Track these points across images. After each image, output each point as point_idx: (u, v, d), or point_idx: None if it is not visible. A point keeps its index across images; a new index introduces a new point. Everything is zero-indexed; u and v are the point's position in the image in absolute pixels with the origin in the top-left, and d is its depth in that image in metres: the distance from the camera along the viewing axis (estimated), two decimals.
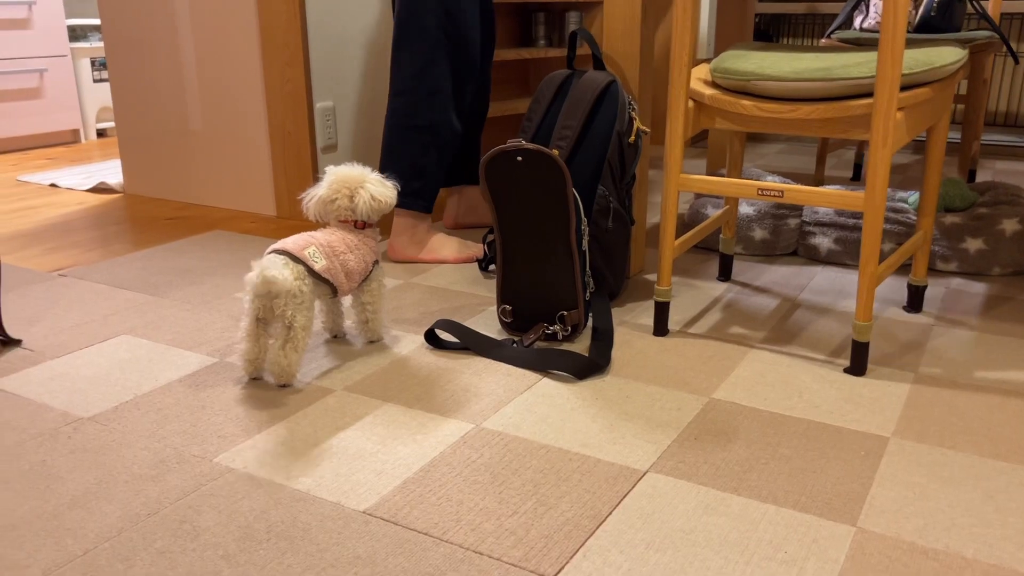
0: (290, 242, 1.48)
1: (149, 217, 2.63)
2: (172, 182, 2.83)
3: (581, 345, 1.63)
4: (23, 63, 3.82)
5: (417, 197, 2.13)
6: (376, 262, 1.61)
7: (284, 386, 1.46)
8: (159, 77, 2.76)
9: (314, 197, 1.56)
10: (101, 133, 4.28)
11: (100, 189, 3.03)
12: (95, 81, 4.16)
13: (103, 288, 1.96)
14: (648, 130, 1.84)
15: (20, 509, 1.11)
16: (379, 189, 1.55)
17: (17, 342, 1.65)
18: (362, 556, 1.02)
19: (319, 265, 1.47)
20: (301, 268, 1.44)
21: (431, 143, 2.11)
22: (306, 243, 1.48)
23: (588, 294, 1.69)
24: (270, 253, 1.45)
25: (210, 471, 1.20)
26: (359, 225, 1.57)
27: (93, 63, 4.13)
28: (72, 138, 4.15)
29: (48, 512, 1.10)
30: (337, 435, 1.30)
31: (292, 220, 2.59)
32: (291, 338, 1.42)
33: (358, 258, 1.55)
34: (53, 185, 3.12)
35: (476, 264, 2.13)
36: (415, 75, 2.07)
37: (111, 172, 3.22)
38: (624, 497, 1.14)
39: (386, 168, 2.12)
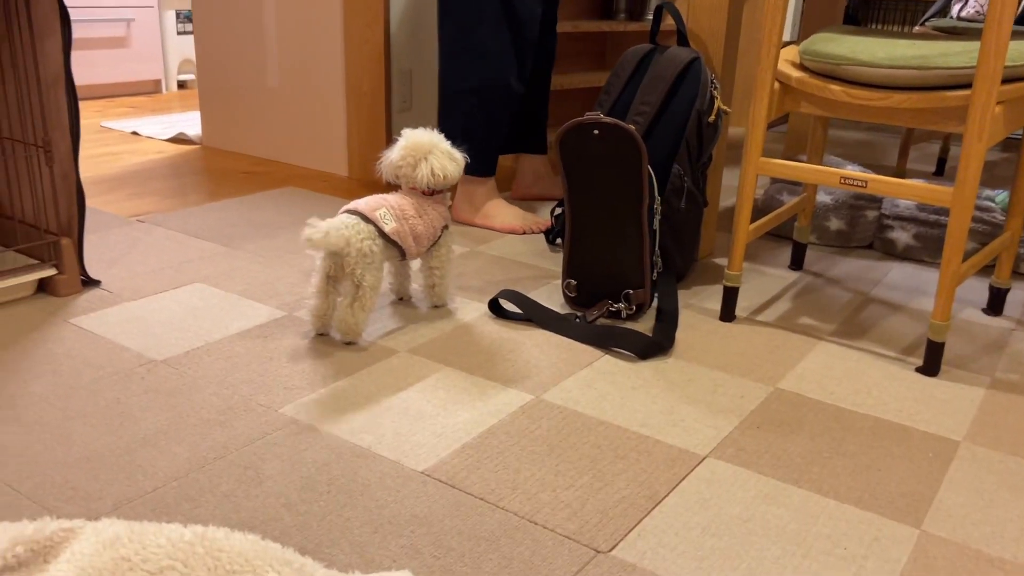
0: (362, 203, 1.49)
1: (225, 170, 2.69)
2: (248, 137, 2.88)
3: (645, 325, 1.62)
4: (112, 11, 3.91)
5: (470, 161, 2.14)
6: (445, 227, 1.61)
7: (349, 343, 1.48)
8: (241, 33, 2.80)
9: (386, 160, 1.57)
10: (181, 84, 4.37)
11: (179, 139, 3.10)
12: (179, 33, 4.24)
13: (179, 236, 2.02)
14: (729, 110, 1.80)
15: (96, 443, 1.15)
16: (442, 162, 1.54)
17: (96, 283, 1.70)
18: (419, 516, 1.03)
19: (389, 227, 1.48)
20: (372, 229, 1.46)
21: (479, 106, 2.08)
22: (378, 205, 1.50)
23: (655, 274, 1.67)
24: (343, 213, 1.47)
25: (275, 421, 1.23)
26: (427, 192, 1.57)
27: (178, 15, 4.21)
28: (154, 88, 4.25)
29: (121, 448, 1.15)
30: (399, 395, 1.32)
31: (363, 180, 2.62)
32: (359, 297, 1.45)
33: (427, 223, 1.55)
34: (135, 133, 3.21)
35: (543, 236, 2.12)
36: (459, 36, 2.04)
37: (190, 123, 3.29)
38: (682, 480, 1.13)
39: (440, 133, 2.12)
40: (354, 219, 1.45)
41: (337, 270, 1.46)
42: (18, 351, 1.41)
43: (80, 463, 1.11)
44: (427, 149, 1.53)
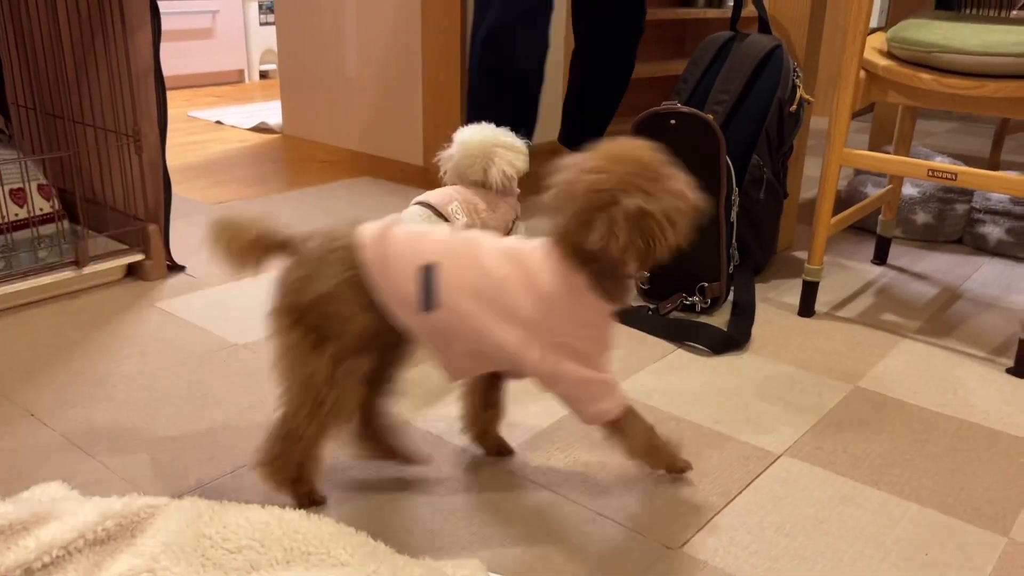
0: (434, 196, 1.47)
1: (304, 158, 2.75)
2: (327, 126, 2.94)
3: (720, 319, 1.59)
4: (198, 4, 4.03)
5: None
6: (516, 219, 1.61)
7: None
8: (321, 23, 2.85)
9: (450, 163, 1.54)
10: (263, 75, 4.48)
11: (260, 128, 3.18)
12: (261, 24, 4.34)
13: None
14: (812, 99, 1.75)
15: (179, 423, 1.20)
16: (511, 157, 1.51)
17: (181, 268, 1.76)
18: (488, 504, 1.04)
19: (461, 222, 1.47)
20: (443, 223, 1.46)
21: (497, 88, 1.97)
22: (450, 198, 1.48)
23: (732, 267, 1.64)
24: (414, 205, 1.46)
25: None
26: (497, 189, 1.55)
27: (260, 6, 4.31)
28: (237, 78, 4.37)
29: (204, 429, 1.19)
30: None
31: (438, 171, 2.64)
32: None
33: (498, 217, 1.53)
34: (218, 122, 3.30)
35: None
36: (474, 17, 1.96)
37: (271, 113, 3.37)
38: (756, 478, 1.11)
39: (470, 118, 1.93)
40: (426, 212, 1.45)
41: None
42: (109, 332, 1.47)
43: (165, 442, 1.15)
44: (490, 148, 1.50)
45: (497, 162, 1.49)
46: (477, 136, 1.51)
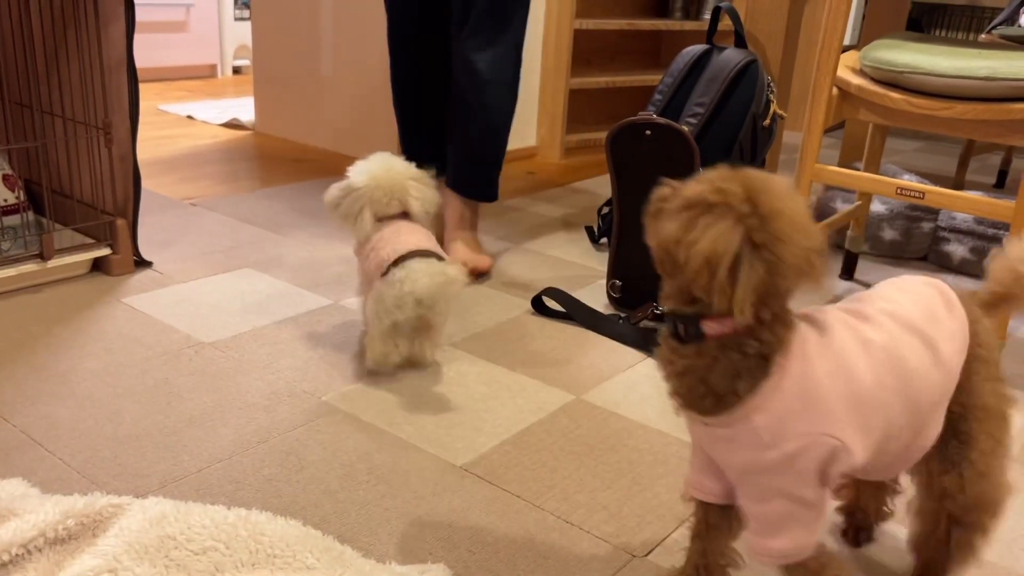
0: (423, 239, 1.33)
1: (276, 156, 2.72)
2: (300, 124, 2.92)
3: None
4: None
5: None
6: None
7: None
8: (297, 21, 2.83)
9: (351, 202, 1.39)
10: (236, 70, 4.44)
11: (232, 125, 3.15)
12: (236, 19, 4.30)
13: (229, 221, 2.05)
14: (785, 115, 1.78)
15: (144, 421, 1.18)
16: (424, 191, 1.41)
17: (148, 264, 1.74)
18: (456, 510, 1.04)
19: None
20: (458, 266, 1.30)
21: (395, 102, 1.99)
22: (429, 236, 1.36)
23: None
24: (413, 259, 1.28)
25: (318, 408, 1.24)
26: (407, 215, 1.42)
27: (236, 1, 4.27)
28: (210, 73, 4.32)
29: (169, 428, 1.17)
30: (440, 389, 1.33)
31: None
32: (434, 332, 1.37)
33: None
34: (190, 117, 3.26)
35: (587, 234, 2.11)
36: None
37: (243, 109, 3.33)
38: None
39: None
40: (433, 260, 1.29)
41: (417, 320, 1.32)
42: (72, 328, 1.44)
43: (129, 440, 1.13)
44: (404, 181, 1.39)
45: (415, 194, 1.39)
46: (384, 167, 1.39)
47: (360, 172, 1.38)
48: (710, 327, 0.71)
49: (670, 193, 0.74)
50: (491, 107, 1.77)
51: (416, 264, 1.26)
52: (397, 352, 1.33)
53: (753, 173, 0.72)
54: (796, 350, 0.73)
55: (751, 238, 0.67)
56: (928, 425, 0.81)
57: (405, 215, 1.39)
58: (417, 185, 1.40)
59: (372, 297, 1.31)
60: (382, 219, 1.38)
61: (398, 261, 1.27)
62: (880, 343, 0.77)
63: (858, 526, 1.03)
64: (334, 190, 1.40)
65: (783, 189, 0.71)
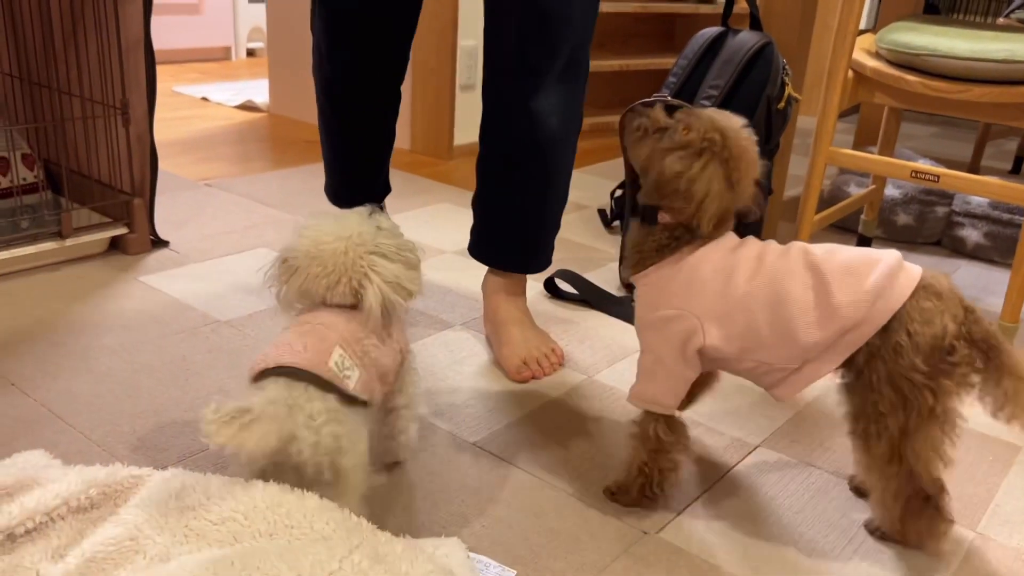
0: (297, 345, 0.87)
1: (289, 138, 2.73)
2: (313, 106, 2.92)
3: None
4: None
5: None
6: (407, 352, 1.04)
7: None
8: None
9: (290, 275, 0.95)
10: (250, 52, 4.44)
11: (246, 106, 3.16)
12: (250, 2, 4.30)
13: (244, 201, 2.06)
14: (799, 97, 1.77)
15: (162, 397, 1.20)
16: (395, 272, 0.95)
17: (165, 243, 1.75)
18: (469, 485, 1.05)
19: (354, 382, 0.88)
20: (330, 399, 0.85)
21: (320, 126, 1.57)
22: (324, 344, 0.88)
23: None
24: (270, 376, 0.85)
25: None
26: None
27: None
28: (224, 55, 4.33)
29: (186, 403, 1.19)
30: (453, 368, 1.34)
31: (425, 156, 2.64)
32: (341, 489, 0.87)
33: (390, 350, 0.97)
34: (204, 99, 3.27)
35: (599, 217, 2.12)
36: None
37: (258, 91, 3.34)
38: (733, 467, 1.13)
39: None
40: (298, 388, 0.84)
41: (281, 470, 0.85)
42: (91, 305, 1.46)
43: (147, 415, 1.15)
44: (360, 257, 0.94)
45: (375, 280, 0.93)
46: (335, 235, 0.94)
47: (303, 234, 0.96)
48: (663, 218, 0.97)
49: (647, 123, 0.97)
50: (562, 167, 1.38)
51: (264, 390, 0.83)
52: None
53: (719, 117, 0.95)
54: (702, 249, 0.96)
55: (728, 176, 0.93)
56: (809, 359, 0.93)
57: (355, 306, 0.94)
58: (384, 264, 0.95)
59: None
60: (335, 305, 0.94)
61: (258, 377, 0.86)
62: (770, 267, 0.94)
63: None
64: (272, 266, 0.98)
65: (742, 129, 0.95)
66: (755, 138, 0.96)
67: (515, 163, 1.34)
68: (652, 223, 0.98)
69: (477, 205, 1.43)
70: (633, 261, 1.00)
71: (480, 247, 1.42)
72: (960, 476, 1.14)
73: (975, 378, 0.90)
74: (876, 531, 1.01)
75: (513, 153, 1.34)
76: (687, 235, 0.96)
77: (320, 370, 0.85)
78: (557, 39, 1.26)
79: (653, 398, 0.99)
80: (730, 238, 0.98)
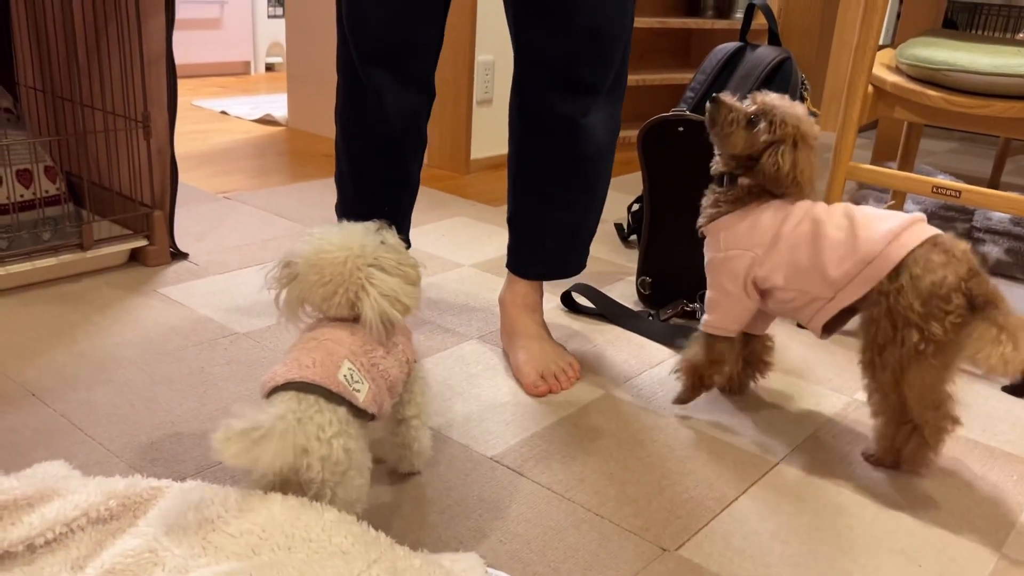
0: (307, 360, 0.87)
1: (308, 152, 2.75)
2: (331, 120, 2.94)
3: None
4: None
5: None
6: (414, 361, 1.03)
7: None
8: (330, 19, 2.85)
9: (288, 283, 0.96)
10: (269, 67, 4.48)
11: (265, 120, 3.19)
12: (269, 17, 4.34)
13: (263, 214, 2.07)
14: (818, 112, 1.76)
15: (180, 408, 1.20)
16: (393, 286, 0.94)
17: (184, 255, 1.76)
18: (486, 500, 1.04)
19: (363, 395, 0.89)
20: (341, 412, 0.86)
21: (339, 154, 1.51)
22: (333, 357, 0.89)
23: None
24: (279, 389, 0.86)
25: None
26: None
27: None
28: (243, 69, 4.37)
29: (204, 415, 1.19)
30: (469, 381, 1.33)
31: (442, 170, 2.64)
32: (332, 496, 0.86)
33: (397, 360, 0.97)
34: (224, 112, 3.30)
35: (616, 231, 2.11)
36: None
37: (276, 105, 3.37)
38: (753, 484, 1.12)
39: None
40: (308, 401, 0.84)
41: (287, 484, 0.86)
42: (111, 316, 1.47)
43: (165, 426, 1.15)
44: (358, 270, 0.93)
45: (372, 292, 0.93)
46: (338, 245, 0.94)
47: (307, 241, 0.95)
48: (743, 181, 1.18)
49: (737, 116, 1.17)
50: (607, 175, 1.40)
51: (274, 404, 0.84)
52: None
53: (785, 107, 1.16)
54: (764, 202, 1.17)
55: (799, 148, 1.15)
56: (840, 287, 1.11)
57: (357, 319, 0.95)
58: (382, 277, 0.94)
59: None
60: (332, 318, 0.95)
61: (268, 395, 0.87)
62: (815, 213, 1.14)
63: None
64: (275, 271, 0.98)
65: (806, 115, 1.18)
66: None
67: (563, 178, 1.35)
68: (732, 184, 1.19)
69: (519, 221, 1.42)
70: (709, 215, 1.20)
71: (527, 265, 1.42)
72: (984, 496, 1.13)
73: (966, 329, 1.01)
74: (871, 457, 1.17)
75: (562, 168, 1.34)
76: (764, 194, 1.16)
77: (329, 383, 0.86)
78: (610, 57, 1.27)
79: (719, 324, 1.20)
80: (794, 199, 1.17)
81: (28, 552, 0.79)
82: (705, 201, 1.23)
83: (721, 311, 1.20)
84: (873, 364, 1.09)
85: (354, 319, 0.94)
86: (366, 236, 0.96)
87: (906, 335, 1.04)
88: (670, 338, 1.52)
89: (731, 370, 1.27)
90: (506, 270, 1.44)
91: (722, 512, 1.05)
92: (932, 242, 1.06)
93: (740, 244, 1.17)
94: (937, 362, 1.04)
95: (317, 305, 0.95)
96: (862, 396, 1.36)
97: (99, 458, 1.07)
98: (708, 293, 1.22)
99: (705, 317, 1.23)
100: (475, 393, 1.30)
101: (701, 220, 1.22)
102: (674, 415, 1.27)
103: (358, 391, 0.88)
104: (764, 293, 1.18)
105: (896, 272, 1.05)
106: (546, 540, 0.98)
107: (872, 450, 1.17)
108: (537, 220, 1.40)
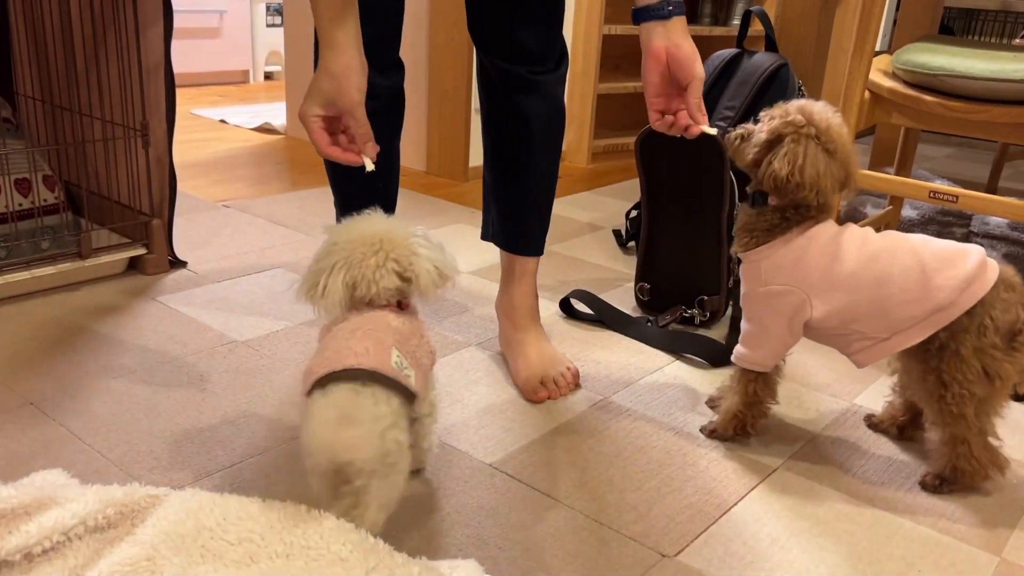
0: (359, 347, 0.85)
1: (306, 160, 2.75)
2: None
3: (718, 332, 1.60)
4: (206, 3, 4.04)
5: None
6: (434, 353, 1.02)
7: None
8: None
9: (329, 261, 0.93)
10: (268, 76, 4.49)
11: (264, 129, 3.19)
12: (268, 26, 4.35)
13: (261, 222, 2.07)
14: None
15: (179, 416, 1.20)
16: (434, 254, 0.96)
17: (183, 264, 1.77)
18: (486, 507, 1.04)
19: (413, 380, 0.88)
20: (396, 402, 0.84)
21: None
22: (383, 343, 0.87)
23: (732, 281, 1.65)
24: (336, 381, 0.82)
25: None
26: (404, 305, 0.97)
27: (268, 8, 4.33)
28: (242, 78, 4.37)
29: (203, 423, 1.19)
30: (468, 388, 1.33)
31: (440, 177, 2.65)
32: (362, 510, 0.83)
33: (427, 351, 0.98)
34: (223, 121, 3.31)
35: (615, 238, 2.11)
36: None
37: (275, 114, 3.37)
38: (752, 490, 1.11)
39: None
40: (369, 392, 0.82)
41: (334, 487, 0.83)
42: (110, 325, 1.47)
43: (164, 435, 1.15)
44: (402, 239, 0.94)
45: (423, 253, 0.95)
46: (372, 227, 0.95)
47: (338, 229, 0.96)
48: (773, 200, 1.11)
49: (743, 131, 1.12)
50: (558, 148, 1.42)
51: (330, 397, 0.82)
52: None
53: (800, 102, 1.08)
54: (809, 232, 1.09)
55: (825, 148, 1.05)
56: (899, 331, 1.08)
57: (401, 304, 0.95)
58: (426, 244, 0.96)
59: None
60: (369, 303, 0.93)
61: (323, 381, 0.83)
62: (874, 250, 1.08)
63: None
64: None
65: (823, 107, 1.07)
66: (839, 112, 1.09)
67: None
68: (763, 204, 1.12)
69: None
70: (744, 240, 1.14)
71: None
72: (984, 501, 1.13)
73: None
74: (934, 481, 1.13)
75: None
76: (796, 215, 1.10)
77: (386, 370, 0.84)
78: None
79: (756, 360, 1.15)
80: (831, 224, 1.11)
81: (26, 561, 0.79)
82: (737, 223, 1.17)
83: (757, 345, 1.14)
84: (954, 397, 1.07)
85: (390, 304, 0.94)
86: (391, 220, 0.96)
87: (994, 370, 1.05)
88: (669, 344, 1.52)
89: (769, 408, 1.21)
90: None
91: (721, 518, 1.05)
92: (1000, 280, 1.06)
93: (786, 280, 1.10)
94: (1003, 389, 1.08)
95: (369, 279, 0.91)
96: (861, 402, 1.37)
97: (98, 467, 1.07)
98: (745, 326, 1.16)
99: (740, 350, 1.17)
100: (474, 400, 1.30)
101: (736, 246, 1.16)
102: (672, 423, 1.27)
103: (409, 377, 0.87)
104: (810, 329, 1.14)
105: (971, 312, 1.04)
106: (546, 547, 0.98)
107: (934, 471, 1.14)
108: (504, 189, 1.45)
